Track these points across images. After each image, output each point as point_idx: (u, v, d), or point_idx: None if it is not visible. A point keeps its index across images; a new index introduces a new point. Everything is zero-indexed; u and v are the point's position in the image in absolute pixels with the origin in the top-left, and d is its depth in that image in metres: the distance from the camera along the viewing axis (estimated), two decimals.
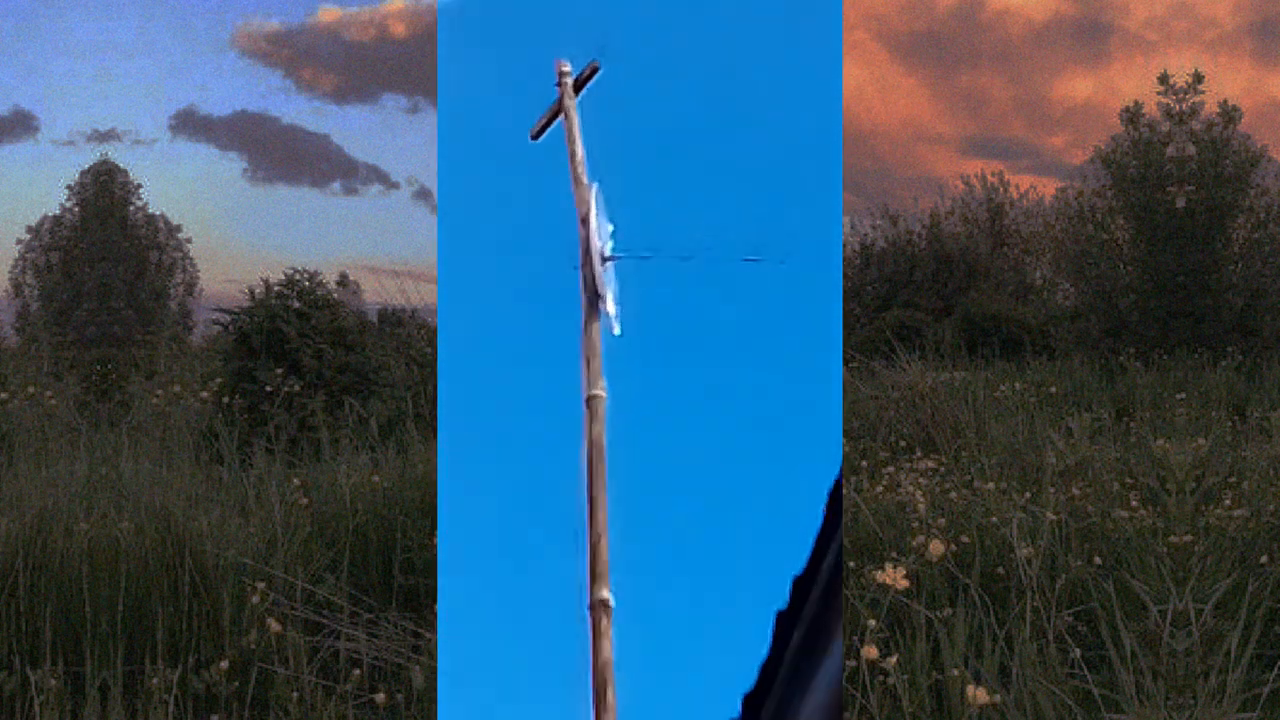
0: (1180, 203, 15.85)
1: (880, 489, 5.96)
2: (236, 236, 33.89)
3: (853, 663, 3.19)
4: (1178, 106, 16.35)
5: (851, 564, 4.68)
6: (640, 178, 2.37)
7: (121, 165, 16.61)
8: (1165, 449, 5.26)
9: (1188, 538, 4.53)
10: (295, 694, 3.84)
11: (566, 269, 2.28)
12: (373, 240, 39.47)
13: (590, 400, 2.21)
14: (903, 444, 8.36)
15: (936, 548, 3.77)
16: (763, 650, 2.23)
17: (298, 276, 10.03)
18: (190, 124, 39.52)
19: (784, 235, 2.31)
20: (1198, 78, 16.33)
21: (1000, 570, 4.59)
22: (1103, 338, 16.46)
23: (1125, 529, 4.96)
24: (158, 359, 13.31)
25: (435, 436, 6.68)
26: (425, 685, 3.74)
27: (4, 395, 7.80)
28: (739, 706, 2.26)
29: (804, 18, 2.40)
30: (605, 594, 2.12)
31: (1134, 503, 5.41)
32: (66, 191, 16.86)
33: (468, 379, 2.35)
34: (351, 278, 16.90)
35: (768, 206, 2.35)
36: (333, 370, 9.49)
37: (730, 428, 2.30)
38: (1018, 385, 10.95)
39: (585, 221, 2.29)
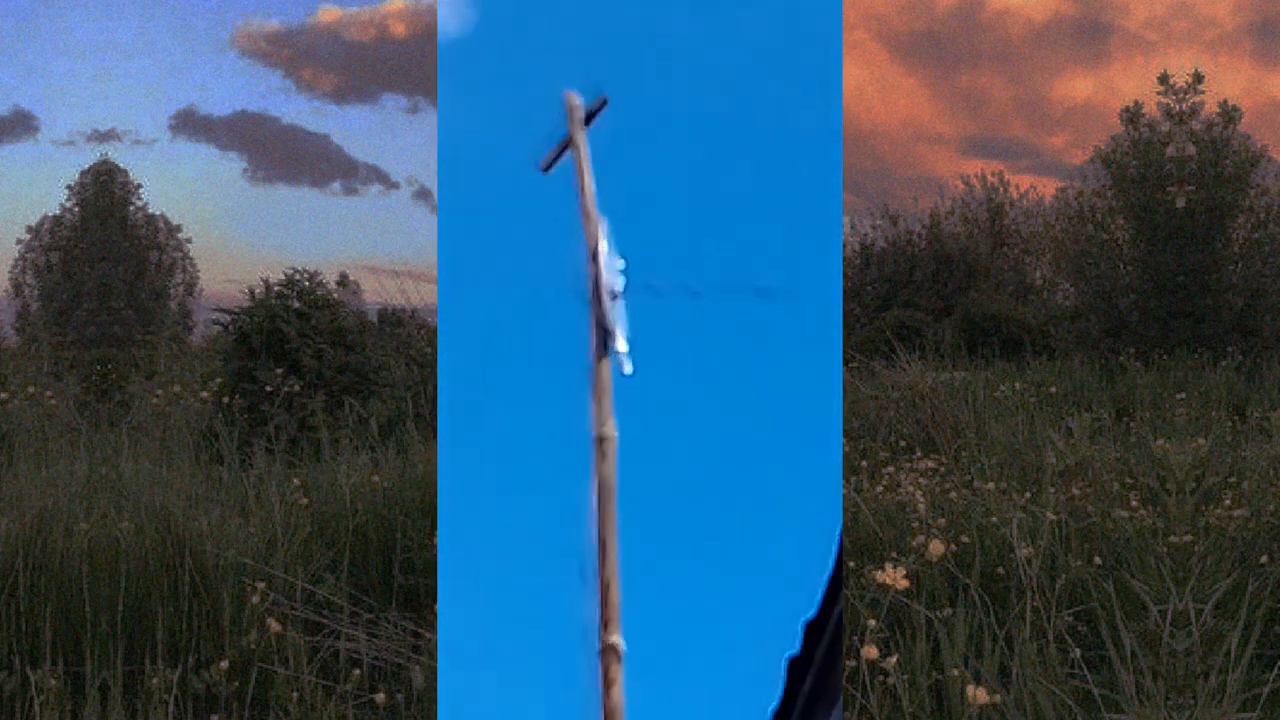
0: (1180, 203, 15.85)
1: (880, 489, 5.96)
2: (236, 236, 33.92)
3: (853, 663, 3.19)
4: (1178, 106, 16.35)
5: (851, 564, 4.68)
6: (644, 174, 2.36)
7: (121, 165, 16.64)
8: (1165, 449, 5.27)
9: (1188, 538, 4.53)
10: (295, 694, 3.84)
11: (566, 269, 2.28)
12: (373, 240, 39.49)
13: (600, 440, 2.18)
14: (903, 444, 8.37)
15: (936, 548, 3.77)
16: (775, 697, 2.22)
17: (298, 276, 10.04)
18: (190, 124, 39.54)
19: (789, 262, 2.30)
20: (1198, 78, 16.34)
21: (1000, 570, 4.59)
22: (1103, 338, 16.47)
23: (1125, 529, 4.96)
24: (158, 359, 13.31)
25: (435, 436, 6.68)
26: (425, 685, 3.74)
27: (4, 395, 7.80)
28: None
29: (804, 18, 2.40)
30: (616, 639, 2.08)
31: (1134, 503, 5.41)
32: (66, 191, 16.89)
33: (468, 379, 2.35)
34: (351, 278, 16.93)
35: (771, 204, 2.34)
36: (333, 370, 9.49)
37: (740, 468, 2.27)
38: (1018, 385, 10.96)
39: (595, 257, 2.25)
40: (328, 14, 42.47)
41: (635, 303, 2.24)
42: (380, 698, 3.74)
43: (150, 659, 3.93)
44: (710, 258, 2.32)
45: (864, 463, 7.19)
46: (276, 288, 9.88)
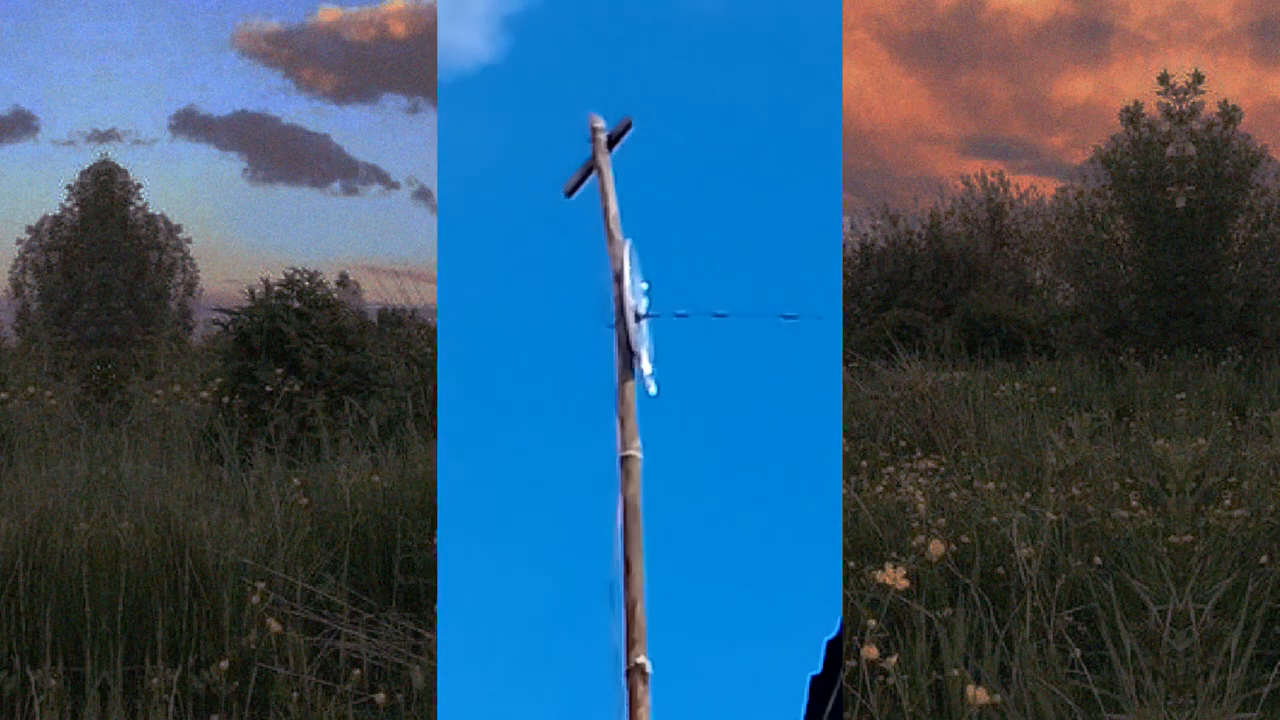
0: (1180, 203, 15.85)
1: (880, 489, 5.96)
2: (236, 236, 33.90)
3: (853, 663, 3.19)
4: (1178, 106, 16.35)
5: (851, 564, 4.68)
6: (645, 172, 2.36)
7: (121, 165, 16.65)
8: (1165, 449, 5.26)
9: (1188, 538, 4.53)
10: (295, 694, 3.84)
11: (566, 270, 2.28)
12: (373, 240, 39.48)
13: (625, 460, 2.17)
14: (903, 444, 8.36)
15: (936, 548, 3.77)
16: (799, 715, 2.21)
17: (298, 276, 10.03)
18: (190, 124, 39.53)
19: (786, 276, 2.30)
20: (1198, 78, 16.34)
21: (1000, 570, 4.59)
22: (1103, 338, 16.47)
23: (1125, 529, 4.96)
24: (158, 359, 13.31)
25: (435, 436, 6.68)
26: (425, 685, 3.74)
27: (4, 395, 7.80)
28: None
29: (804, 18, 2.40)
30: (642, 659, 2.07)
31: (1134, 503, 5.41)
32: (66, 191, 16.89)
33: (468, 379, 2.35)
34: (351, 278, 16.90)
35: (771, 204, 2.34)
36: (333, 370, 9.49)
37: (762, 488, 2.27)
38: (1018, 385, 10.95)
39: (619, 279, 2.25)
40: (328, 14, 42.46)
41: (660, 325, 2.24)
42: (380, 698, 3.74)
43: (150, 659, 3.93)
44: (703, 264, 2.32)
45: (864, 463, 7.19)
46: (276, 288, 9.88)
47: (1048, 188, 33.69)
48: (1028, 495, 5.64)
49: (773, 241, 2.34)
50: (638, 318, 2.24)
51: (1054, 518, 4.71)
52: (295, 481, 5.71)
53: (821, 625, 2.20)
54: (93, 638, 4.03)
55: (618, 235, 2.29)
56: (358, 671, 3.89)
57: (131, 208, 16.81)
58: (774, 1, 2.42)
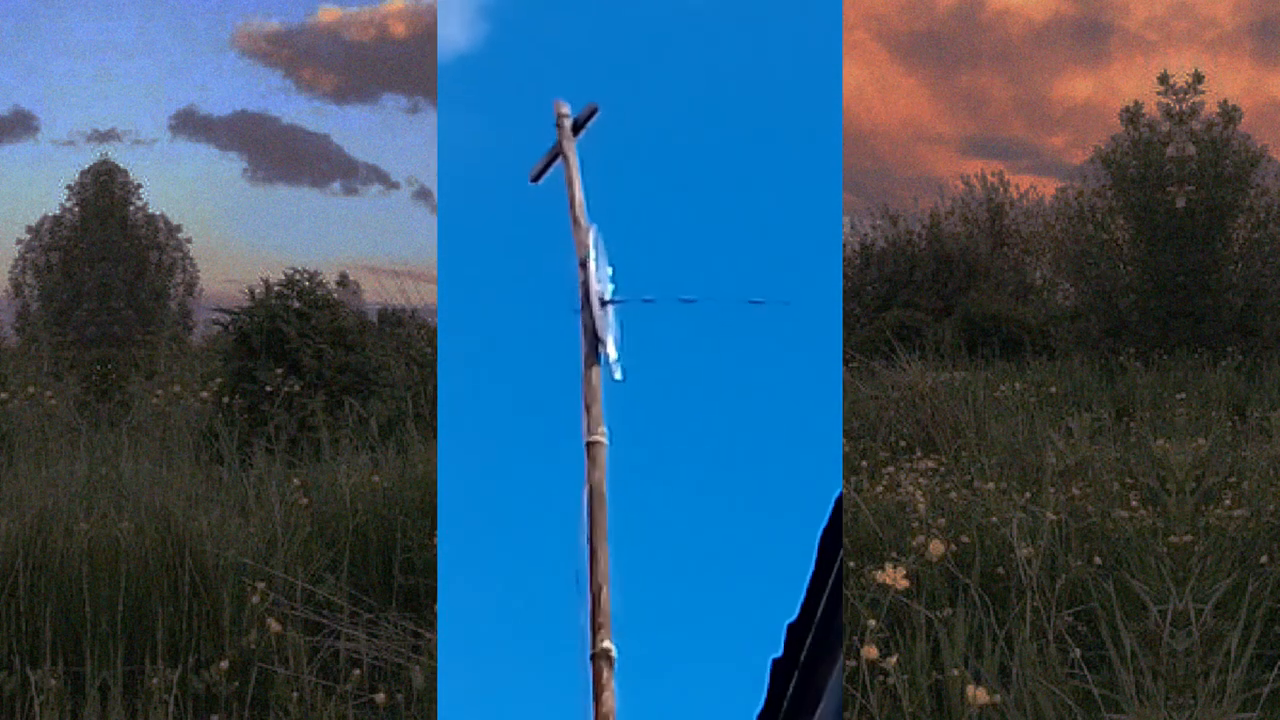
0: (1180, 203, 15.85)
1: (880, 489, 5.96)
2: (236, 236, 33.90)
3: (853, 663, 3.19)
4: (1178, 106, 16.35)
5: (851, 564, 4.68)
6: (636, 209, 2.37)
7: (121, 165, 16.65)
8: (1165, 449, 5.27)
9: (1188, 538, 4.53)
10: (295, 694, 3.84)
11: (566, 269, 2.28)
12: (373, 240, 39.49)
13: (591, 446, 2.18)
14: (903, 444, 8.36)
15: (936, 548, 3.77)
16: (759, 699, 2.23)
17: (298, 276, 10.04)
18: (190, 124, 39.54)
19: (784, 271, 2.30)
20: (1198, 78, 16.34)
21: (1000, 570, 4.59)
22: (1103, 338, 16.47)
23: (1125, 529, 4.96)
24: (158, 359, 13.31)
25: (435, 436, 6.68)
26: (425, 685, 3.74)
27: (4, 395, 7.80)
28: None
29: (804, 18, 2.40)
30: (608, 644, 2.09)
31: (1134, 503, 5.41)
32: (66, 191, 16.89)
33: (468, 379, 2.35)
34: (351, 278, 16.89)
35: (767, 238, 2.34)
36: (333, 370, 9.49)
37: (726, 472, 2.28)
38: (1018, 385, 10.96)
39: (584, 264, 2.26)
40: (328, 14, 42.47)
41: (627, 310, 2.24)
42: (380, 698, 3.74)
43: (150, 659, 3.93)
44: (703, 265, 2.32)
45: (864, 463, 7.19)
46: (276, 288, 9.88)
47: (1048, 188, 33.71)
48: (1028, 495, 5.64)
49: (751, 227, 2.35)
50: (603, 303, 2.25)
51: (1054, 518, 4.70)
52: (295, 481, 5.71)
53: (783, 609, 2.22)
54: (93, 638, 4.03)
55: (583, 221, 2.31)
56: (358, 671, 3.89)
57: (131, 208, 16.81)
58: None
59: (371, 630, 4.26)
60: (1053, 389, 11.64)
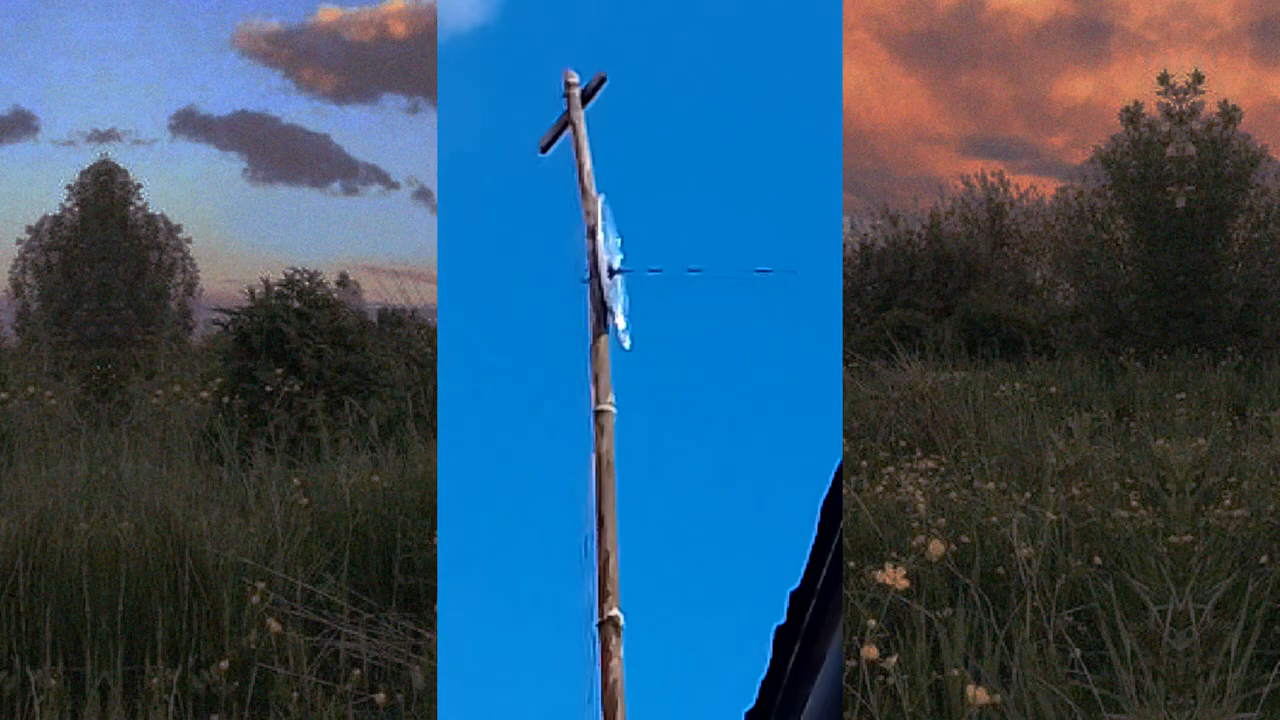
0: (1180, 203, 15.85)
1: (880, 489, 5.96)
2: (236, 236, 33.90)
3: (853, 663, 3.19)
4: (1178, 106, 16.35)
5: (851, 564, 4.68)
6: (644, 187, 2.37)
7: (121, 165, 16.64)
8: (1165, 449, 5.26)
9: (1188, 538, 4.53)
10: (295, 694, 3.84)
11: (567, 268, 2.28)
12: (373, 240, 39.49)
13: (599, 415, 2.19)
14: (903, 444, 8.36)
15: (936, 548, 3.77)
16: (763, 665, 2.24)
17: (298, 276, 10.04)
18: (190, 124, 39.55)
19: (787, 243, 2.31)
20: (1198, 78, 16.34)
21: (1000, 570, 4.59)
22: (1103, 338, 16.46)
23: (1125, 529, 4.96)
24: (158, 359, 13.31)
25: (435, 436, 6.68)
26: (425, 685, 3.74)
27: (4, 395, 7.80)
28: None
29: (804, 18, 2.40)
30: (615, 612, 2.11)
31: (1134, 503, 5.41)
32: (66, 191, 16.89)
33: (468, 379, 2.35)
34: (351, 278, 16.88)
35: (769, 213, 2.35)
36: (333, 370, 9.49)
37: (731, 442, 2.30)
38: (1018, 385, 10.95)
39: (593, 234, 2.27)
40: (328, 14, 42.47)
41: (634, 280, 2.25)
42: (380, 698, 3.74)
43: (150, 659, 3.93)
44: (711, 236, 2.33)
45: (864, 463, 7.19)
46: (276, 288, 9.88)
47: (1048, 188, 33.71)
48: (1028, 495, 5.64)
49: (757, 200, 2.36)
50: (611, 273, 2.25)
51: (1054, 518, 4.70)
52: (295, 481, 5.71)
53: (786, 577, 2.23)
54: (93, 638, 4.03)
55: (591, 191, 2.31)
56: (358, 671, 3.89)
57: (131, 208, 16.81)
58: None
59: (371, 630, 4.25)
60: (1053, 389, 11.64)
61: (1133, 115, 16.92)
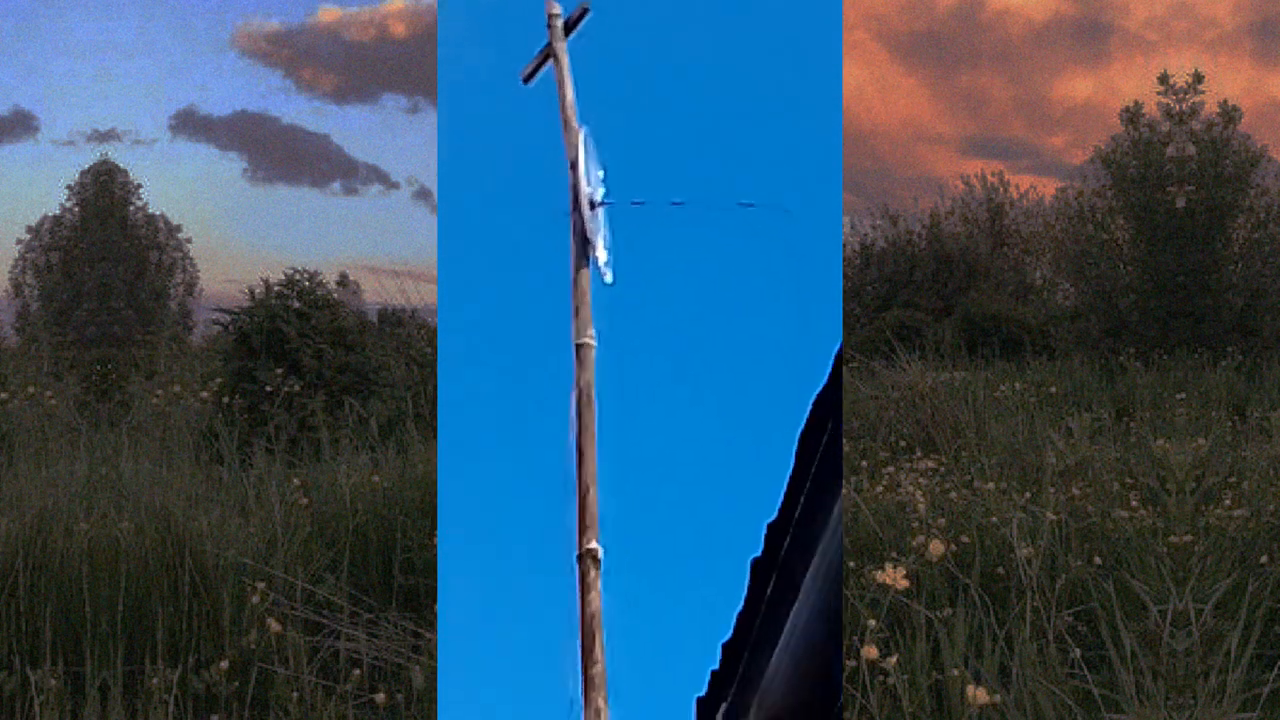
0: (1180, 203, 15.85)
1: (880, 489, 5.96)
2: (236, 236, 33.91)
3: (853, 663, 3.19)
4: (1178, 106, 16.35)
5: (851, 564, 4.68)
6: (634, 128, 2.37)
7: (121, 165, 16.64)
8: (1165, 449, 5.26)
9: (1188, 538, 4.53)
10: (295, 694, 3.84)
11: (568, 265, 2.28)
12: (373, 240, 39.49)
13: (579, 348, 2.20)
14: (903, 444, 8.36)
15: (936, 548, 3.77)
16: (740, 597, 2.26)
17: (298, 276, 10.04)
18: (190, 124, 39.56)
19: (783, 182, 2.32)
20: (1198, 78, 16.34)
21: (1000, 570, 4.59)
22: (1103, 338, 16.46)
23: (1125, 529, 4.96)
24: (158, 359, 13.31)
25: (435, 436, 6.68)
26: (425, 685, 3.74)
27: (4, 395, 7.79)
28: (719, 656, 2.29)
29: (804, 18, 2.40)
30: (594, 544, 2.12)
31: (1134, 503, 5.41)
32: (66, 191, 16.89)
33: (468, 379, 2.35)
34: (351, 278, 16.89)
35: (764, 157, 2.35)
36: (333, 370, 9.49)
37: (712, 377, 2.32)
38: (1018, 385, 10.95)
39: (574, 166, 2.27)
40: (328, 14, 42.48)
41: (616, 212, 2.26)
42: (380, 698, 3.74)
43: (150, 659, 3.93)
44: (695, 169, 2.34)
45: (864, 463, 7.19)
46: (276, 288, 9.88)
47: (1048, 188, 33.71)
48: (1028, 495, 5.64)
49: (763, 179, 2.36)
50: (593, 205, 2.25)
51: (1054, 518, 4.70)
52: (295, 481, 5.71)
53: (762, 509, 2.26)
54: (93, 638, 4.03)
55: (574, 123, 2.31)
56: (358, 671, 3.89)
57: (131, 208, 16.81)
58: None
59: (371, 630, 4.25)
60: (1053, 389, 11.64)
61: (1133, 115, 16.92)
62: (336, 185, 38.55)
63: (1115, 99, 29.99)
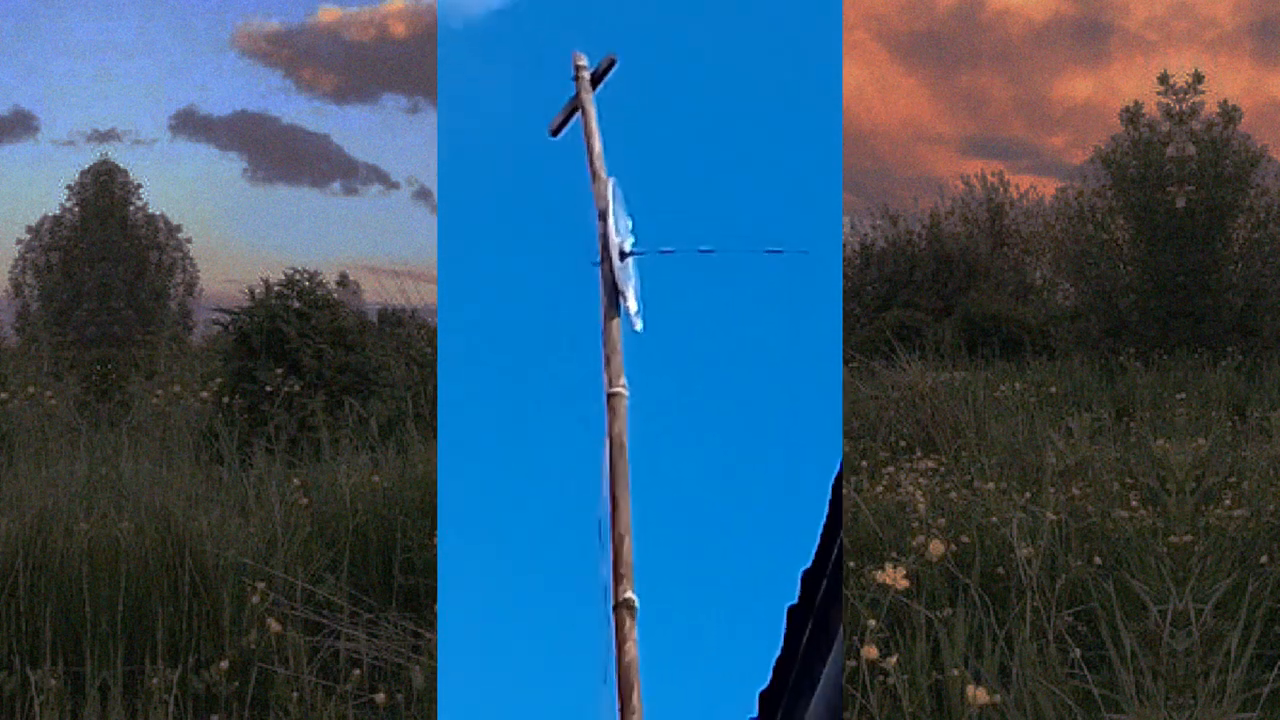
0: (1180, 203, 15.85)
1: (880, 489, 5.96)
2: (236, 236, 33.91)
3: (853, 663, 3.19)
4: (1178, 106, 16.35)
5: (851, 564, 4.68)
6: (650, 175, 2.38)
7: (121, 165, 16.64)
8: (1165, 449, 5.26)
9: (1188, 538, 4.53)
10: (295, 694, 3.84)
11: (568, 266, 2.28)
12: (373, 240, 39.50)
13: (611, 398, 2.19)
14: (903, 444, 8.36)
15: (936, 548, 3.77)
16: (777, 645, 2.25)
17: (298, 276, 10.04)
18: (190, 124, 39.56)
19: (789, 227, 2.32)
20: (1198, 78, 16.34)
21: (1000, 570, 4.59)
22: (1103, 338, 16.46)
23: (1125, 529, 4.96)
24: (158, 359, 13.31)
25: (435, 436, 6.68)
26: (425, 685, 3.74)
27: (4, 395, 7.79)
28: (756, 705, 2.27)
29: (804, 18, 2.40)
30: (630, 594, 2.10)
31: (1134, 503, 5.41)
32: (66, 191, 16.88)
33: (468, 379, 2.35)
34: (351, 278, 16.88)
35: (772, 202, 2.36)
36: (333, 370, 9.49)
37: (743, 424, 2.32)
38: (1018, 385, 10.95)
39: (604, 216, 2.27)
40: (328, 14, 42.48)
41: (646, 262, 2.26)
42: (380, 698, 3.74)
43: (150, 659, 3.93)
44: (719, 217, 2.34)
45: (864, 463, 7.19)
46: (276, 288, 9.88)
47: (1048, 188, 33.70)
48: (1028, 495, 5.64)
49: (763, 179, 2.36)
50: (622, 255, 2.25)
51: (1054, 518, 4.70)
52: (295, 481, 5.71)
53: (797, 558, 2.25)
54: (93, 638, 4.03)
55: (602, 173, 2.31)
56: (358, 671, 3.89)
57: (131, 208, 16.80)
58: None
59: (371, 630, 4.25)
60: (1053, 389, 11.63)
61: (1133, 115, 16.92)
62: (336, 185, 38.58)
63: (1115, 99, 30.00)
